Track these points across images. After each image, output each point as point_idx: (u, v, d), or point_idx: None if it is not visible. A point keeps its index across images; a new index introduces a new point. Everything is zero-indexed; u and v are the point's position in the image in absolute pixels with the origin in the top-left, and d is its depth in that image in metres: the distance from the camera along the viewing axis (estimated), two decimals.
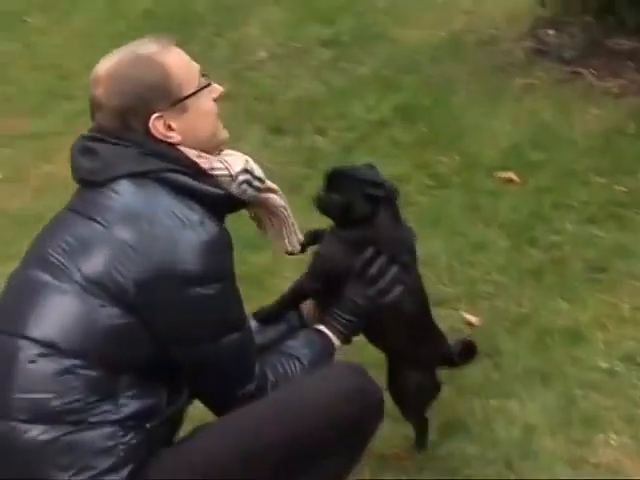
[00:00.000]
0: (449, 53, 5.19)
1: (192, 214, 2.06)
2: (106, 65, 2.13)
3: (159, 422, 2.09)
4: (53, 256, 2.08)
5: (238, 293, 2.16)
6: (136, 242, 2.03)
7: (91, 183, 2.12)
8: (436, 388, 2.66)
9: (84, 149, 2.14)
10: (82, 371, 2.01)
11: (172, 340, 2.07)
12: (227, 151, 2.26)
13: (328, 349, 2.36)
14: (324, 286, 2.46)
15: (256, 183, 2.25)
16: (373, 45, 5.32)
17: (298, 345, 2.32)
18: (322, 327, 2.40)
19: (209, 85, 2.21)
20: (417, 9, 5.65)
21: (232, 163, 2.20)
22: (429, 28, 5.47)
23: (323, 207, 2.48)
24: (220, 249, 2.08)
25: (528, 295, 3.46)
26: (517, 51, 5.07)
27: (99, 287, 2.02)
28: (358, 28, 5.48)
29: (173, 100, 2.13)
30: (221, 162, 2.19)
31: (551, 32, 5.05)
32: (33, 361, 2.00)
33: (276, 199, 2.35)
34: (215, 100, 2.22)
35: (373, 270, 2.39)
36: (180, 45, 2.17)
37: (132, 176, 2.09)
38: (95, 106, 2.14)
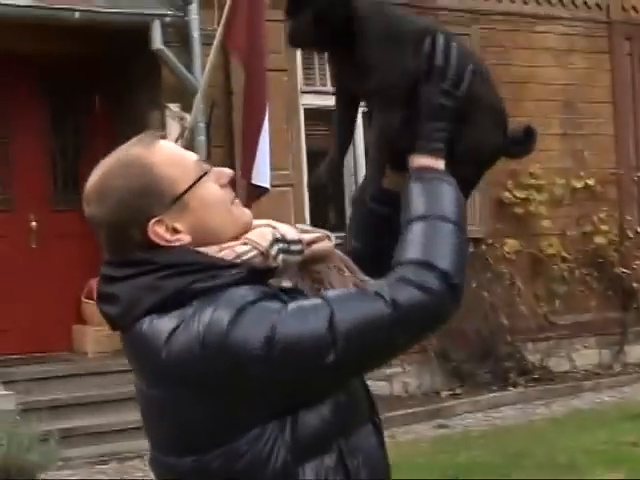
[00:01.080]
0: None
1: (222, 319, 1.84)
2: (92, 180, 1.98)
3: None
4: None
5: (297, 311, 1.87)
6: (188, 387, 1.86)
7: (122, 330, 1.97)
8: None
9: (102, 296, 1.99)
10: None
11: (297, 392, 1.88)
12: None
13: (439, 183, 2.00)
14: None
15: (294, 247, 2.00)
16: None
17: (413, 204, 1.97)
18: (418, 158, 2.04)
19: (206, 174, 1.98)
20: None
21: (259, 239, 1.97)
22: None
23: (297, 38, 2.12)
24: (254, 315, 1.84)
25: None
26: None
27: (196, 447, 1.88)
28: None
29: (168, 200, 1.94)
30: (246, 243, 1.96)
31: None
32: None
33: (323, 245, 2.07)
34: (224, 185, 1.99)
35: (438, 59, 2.04)
36: None
37: (152, 310, 1.90)
38: (93, 227, 1.98)
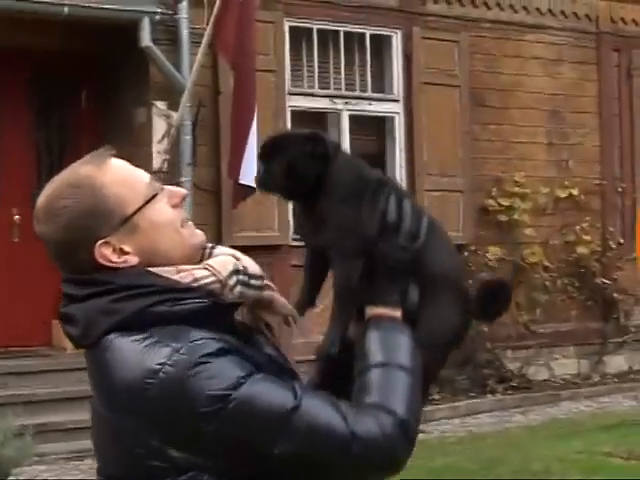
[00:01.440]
0: None
1: (182, 364, 1.80)
2: (42, 198, 1.94)
3: None
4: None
5: (264, 382, 1.84)
6: (137, 419, 1.83)
7: (85, 348, 1.96)
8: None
9: (62, 315, 1.98)
10: None
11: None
12: (216, 250, 2.02)
13: (396, 333, 2.01)
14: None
15: (254, 281, 1.98)
16: None
17: (372, 352, 1.98)
18: (374, 311, 2.04)
19: (157, 195, 1.95)
20: None
21: (219, 267, 1.94)
22: None
23: (267, 184, 2.12)
24: (214, 366, 1.81)
25: None
26: None
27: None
28: None
29: (117, 222, 1.90)
30: (206, 269, 1.93)
31: None
32: None
33: (277, 297, 2.08)
34: (176, 206, 1.97)
35: (391, 216, 2.04)
36: None
37: (111, 331, 1.88)
38: (44, 244, 1.95)
